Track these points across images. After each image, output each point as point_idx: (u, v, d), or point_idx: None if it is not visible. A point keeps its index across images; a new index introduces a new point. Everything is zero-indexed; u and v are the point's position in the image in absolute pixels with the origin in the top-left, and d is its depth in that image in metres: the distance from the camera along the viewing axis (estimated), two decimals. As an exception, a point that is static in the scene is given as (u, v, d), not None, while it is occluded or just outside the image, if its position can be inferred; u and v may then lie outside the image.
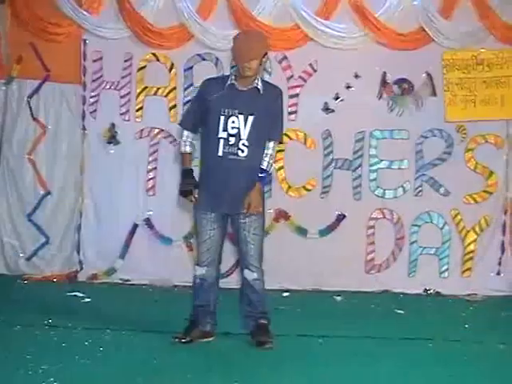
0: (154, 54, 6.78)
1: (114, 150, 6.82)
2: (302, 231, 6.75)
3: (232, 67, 6.40)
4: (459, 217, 6.74)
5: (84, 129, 6.83)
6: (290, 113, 6.59)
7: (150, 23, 6.68)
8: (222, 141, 4.82)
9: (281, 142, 5.21)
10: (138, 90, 6.80)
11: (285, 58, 6.69)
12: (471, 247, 6.75)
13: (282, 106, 5.07)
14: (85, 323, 5.25)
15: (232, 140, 4.81)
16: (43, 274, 6.79)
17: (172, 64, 6.77)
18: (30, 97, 6.84)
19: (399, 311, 6.07)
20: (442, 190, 6.73)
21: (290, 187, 6.74)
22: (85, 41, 6.78)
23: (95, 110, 6.81)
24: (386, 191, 6.76)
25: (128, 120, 6.82)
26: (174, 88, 6.77)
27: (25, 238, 6.91)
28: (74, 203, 6.88)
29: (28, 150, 6.87)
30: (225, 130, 4.81)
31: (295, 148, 6.68)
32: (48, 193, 6.89)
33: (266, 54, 4.91)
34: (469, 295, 6.63)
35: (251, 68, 4.78)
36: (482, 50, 6.68)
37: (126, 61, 6.79)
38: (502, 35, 6.65)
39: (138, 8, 6.67)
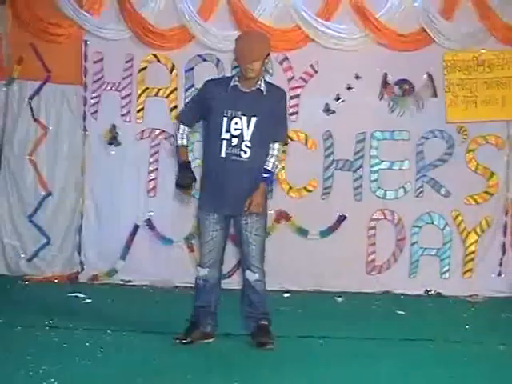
0: (154, 55, 6.78)
1: (115, 151, 6.81)
2: (302, 232, 6.75)
3: (234, 68, 6.45)
4: (460, 218, 6.73)
5: (85, 130, 6.82)
6: (290, 114, 6.56)
7: (151, 24, 6.68)
8: (224, 142, 4.82)
9: (286, 143, 5.21)
10: (139, 91, 6.79)
11: (286, 58, 6.68)
12: (472, 248, 6.74)
13: (286, 108, 5.09)
14: (86, 324, 5.25)
15: (235, 141, 4.82)
16: (44, 275, 6.78)
17: (173, 65, 6.77)
18: (31, 98, 6.84)
19: (400, 312, 6.07)
20: (442, 191, 6.73)
21: (290, 188, 6.73)
22: (86, 42, 6.78)
23: (96, 111, 6.81)
24: (387, 192, 6.76)
25: (129, 121, 6.82)
26: (175, 89, 6.77)
27: (26, 238, 6.91)
28: (74, 204, 6.88)
29: (29, 150, 6.87)
30: (228, 131, 4.82)
31: (296, 149, 6.68)
32: (49, 194, 6.88)
33: (269, 54, 4.92)
34: (470, 296, 6.63)
35: (254, 69, 4.78)
36: (483, 51, 6.68)
37: (126, 62, 6.79)
38: (503, 36, 6.65)
39: (139, 9, 6.67)
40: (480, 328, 5.62)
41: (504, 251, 6.77)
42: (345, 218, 6.75)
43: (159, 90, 6.79)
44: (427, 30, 6.61)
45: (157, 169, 6.81)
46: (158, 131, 6.78)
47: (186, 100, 6.53)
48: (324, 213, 6.75)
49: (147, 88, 6.79)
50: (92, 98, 6.80)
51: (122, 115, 6.81)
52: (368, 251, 6.75)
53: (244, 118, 4.83)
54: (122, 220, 6.83)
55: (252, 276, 4.92)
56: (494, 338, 5.19)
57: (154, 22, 6.69)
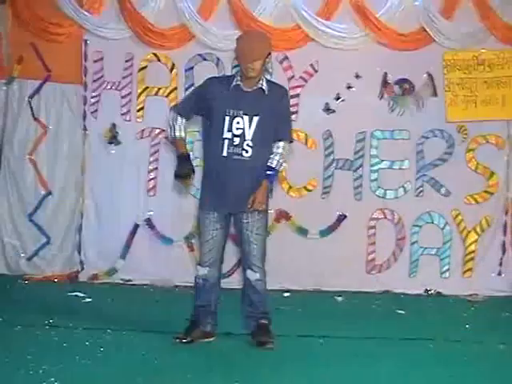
0: (154, 55, 6.79)
1: (115, 150, 6.82)
2: (302, 231, 6.75)
3: (234, 67, 6.45)
4: (460, 217, 6.74)
5: (85, 129, 6.83)
6: (291, 113, 6.59)
7: (151, 23, 6.69)
8: (226, 141, 4.82)
9: (291, 142, 5.12)
10: (139, 91, 6.80)
11: (286, 58, 6.69)
12: (472, 247, 6.75)
13: (288, 106, 5.09)
14: (86, 323, 5.25)
15: (236, 140, 4.82)
16: (44, 274, 6.79)
17: (173, 64, 6.77)
18: (31, 97, 6.84)
19: (400, 311, 6.07)
20: (442, 191, 6.73)
21: (290, 187, 6.74)
22: (86, 41, 6.78)
23: (96, 110, 6.81)
24: (387, 191, 6.76)
25: (129, 120, 6.82)
26: (175, 88, 6.77)
27: (26, 238, 6.91)
28: (74, 203, 6.88)
29: (29, 150, 6.87)
30: (229, 130, 4.82)
31: (296, 148, 6.63)
32: (49, 193, 6.89)
33: (270, 54, 4.92)
34: (470, 295, 6.63)
35: (255, 69, 4.78)
36: (483, 51, 6.68)
37: (126, 61, 6.80)
38: (503, 36, 6.65)
39: (139, 8, 6.67)
40: (480, 327, 5.62)
41: (504, 250, 6.77)
42: (345, 217, 6.75)
43: (159, 89, 6.80)
44: (427, 30, 6.61)
45: (157, 168, 6.82)
46: (158, 130, 6.79)
47: (188, 93, 6.48)
48: (324, 212, 6.75)
49: (147, 87, 6.80)
50: (92, 98, 6.81)
51: (122, 114, 6.81)
52: (368, 250, 6.75)
53: (246, 118, 4.82)
54: (122, 219, 6.83)
55: (253, 275, 4.92)
56: (494, 338, 5.18)
57: (154, 22, 6.69)
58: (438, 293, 6.68)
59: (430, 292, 6.69)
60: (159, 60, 6.79)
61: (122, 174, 6.82)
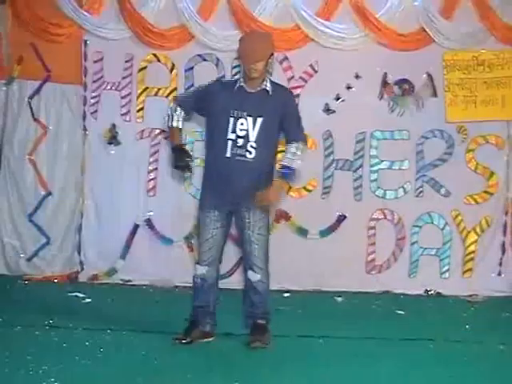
0: (154, 55, 6.78)
1: (115, 150, 6.82)
2: (302, 232, 6.75)
3: (233, 67, 6.46)
4: (460, 217, 6.74)
5: (85, 129, 6.83)
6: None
7: (151, 24, 6.68)
8: (230, 142, 4.82)
9: (305, 143, 5.03)
10: (139, 91, 6.80)
11: (285, 58, 6.68)
12: (472, 248, 6.74)
13: (296, 107, 5.09)
14: (85, 324, 5.25)
15: (240, 142, 4.82)
16: (44, 275, 6.78)
17: (173, 64, 6.77)
18: (31, 97, 6.84)
19: (400, 312, 6.07)
20: (442, 191, 6.73)
21: (290, 188, 6.73)
22: (86, 41, 6.78)
23: (96, 111, 6.81)
24: (387, 192, 6.76)
25: (129, 120, 6.82)
26: (175, 88, 6.76)
27: (25, 238, 6.91)
28: (74, 204, 6.88)
29: (29, 150, 6.87)
30: (233, 131, 4.82)
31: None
32: (49, 193, 6.88)
33: (272, 54, 4.92)
34: (470, 296, 6.63)
35: (257, 69, 4.78)
36: (483, 51, 6.68)
37: (126, 61, 6.79)
38: (503, 36, 6.65)
39: (139, 9, 6.67)
40: (480, 327, 5.62)
41: (504, 251, 6.77)
42: (345, 217, 6.75)
43: (159, 89, 6.79)
44: (427, 30, 6.61)
45: (156, 168, 6.82)
46: (157, 131, 6.78)
47: (192, 89, 6.43)
48: (324, 212, 6.75)
49: (147, 87, 6.80)
50: (92, 98, 6.81)
51: (122, 115, 6.81)
52: (368, 251, 6.75)
53: (250, 119, 4.82)
54: (122, 219, 6.83)
55: (254, 276, 4.90)
56: (493, 338, 5.18)
57: (153, 22, 6.69)
58: (438, 293, 6.68)
59: (429, 292, 6.69)
60: (159, 60, 6.79)
61: (121, 175, 6.82)
